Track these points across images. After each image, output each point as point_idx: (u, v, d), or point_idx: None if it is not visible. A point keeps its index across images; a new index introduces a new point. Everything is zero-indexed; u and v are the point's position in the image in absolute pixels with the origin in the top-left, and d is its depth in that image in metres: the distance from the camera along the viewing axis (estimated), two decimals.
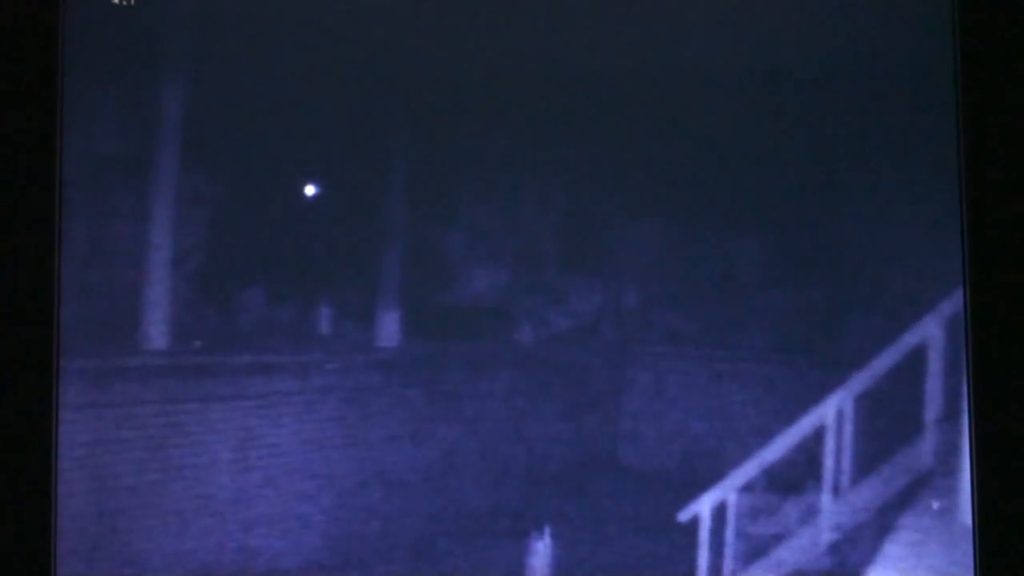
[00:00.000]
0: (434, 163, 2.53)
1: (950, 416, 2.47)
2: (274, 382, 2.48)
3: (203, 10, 2.52)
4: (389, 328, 2.50)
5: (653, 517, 2.46)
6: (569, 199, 2.53)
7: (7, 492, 2.37)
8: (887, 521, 2.47)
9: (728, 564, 2.47)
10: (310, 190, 2.51)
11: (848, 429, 2.48)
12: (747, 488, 2.48)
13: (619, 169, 2.53)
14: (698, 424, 2.49)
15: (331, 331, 2.50)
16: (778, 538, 2.47)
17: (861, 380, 2.48)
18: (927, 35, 2.53)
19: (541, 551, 2.46)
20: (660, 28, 2.55)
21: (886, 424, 2.48)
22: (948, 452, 2.47)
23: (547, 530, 2.47)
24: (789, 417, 2.49)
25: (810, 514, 2.47)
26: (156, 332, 2.47)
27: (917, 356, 2.49)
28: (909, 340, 2.49)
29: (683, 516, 2.47)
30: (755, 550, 2.47)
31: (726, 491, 2.48)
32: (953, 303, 2.48)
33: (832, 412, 2.49)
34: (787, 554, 2.47)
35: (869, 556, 2.46)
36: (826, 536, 2.47)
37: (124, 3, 2.50)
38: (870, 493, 2.47)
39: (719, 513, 2.47)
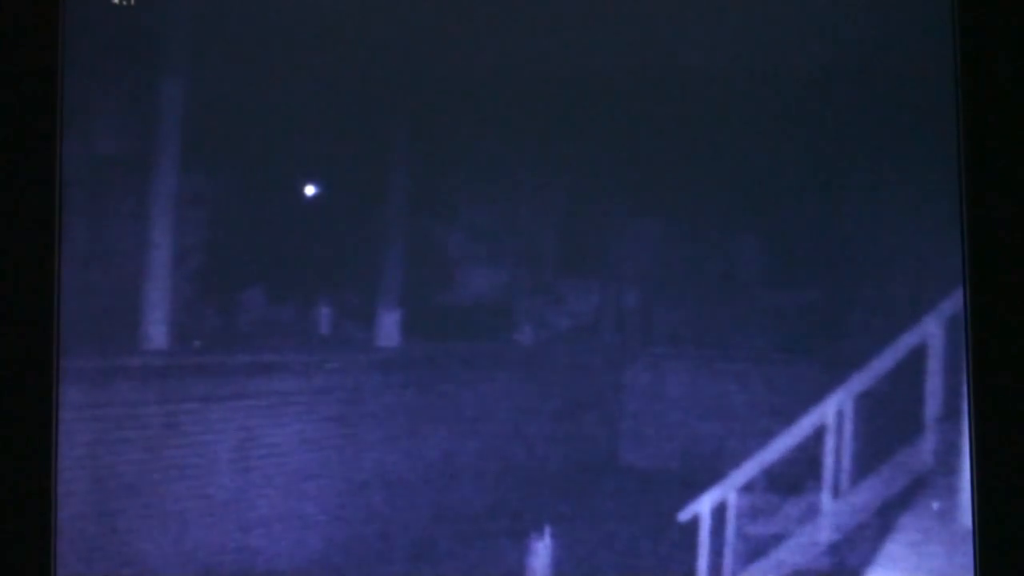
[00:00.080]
0: (434, 163, 2.53)
1: (950, 416, 2.47)
2: (274, 382, 2.48)
3: (203, 10, 2.52)
4: (389, 328, 2.50)
5: (653, 517, 2.46)
6: (569, 199, 2.53)
7: (7, 492, 2.37)
8: (887, 521, 2.47)
9: (728, 564, 2.47)
10: (310, 190, 2.51)
11: (848, 429, 2.48)
12: (747, 488, 2.48)
13: (619, 169, 2.53)
14: (698, 424, 2.49)
15: (331, 331, 2.50)
16: (778, 538, 2.47)
17: (861, 380, 2.48)
18: (927, 35, 2.53)
19: (541, 551, 2.46)
20: (660, 28, 2.55)
21: (886, 424, 2.48)
22: (948, 452, 2.47)
23: (547, 530, 2.47)
24: (789, 417, 2.49)
25: (810, 514, 2.47)
26: (156, 332, 2.47)
27: (917, 356, 2.49)
28: (909, 340, 2.49)
29: (683, 516, 2.47)
30: (755, 550, 2.47)
31: (726, 491, 2.48)
32: (953, 303, 2.48)
33: (832, 412, 2.49)
34: (787, 554, 2.47)
35: (869, 556, 2.46)
36: (826, 536, 2.47)
37: (124, 3, 2.50)
38: (870, 493, 2.47)
39: (719, 513, 2.47)
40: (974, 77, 2.48)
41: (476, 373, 2.49)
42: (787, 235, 2.52)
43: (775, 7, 2.55)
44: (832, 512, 2.47)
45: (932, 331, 2.49)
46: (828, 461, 2.48)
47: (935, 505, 2.46)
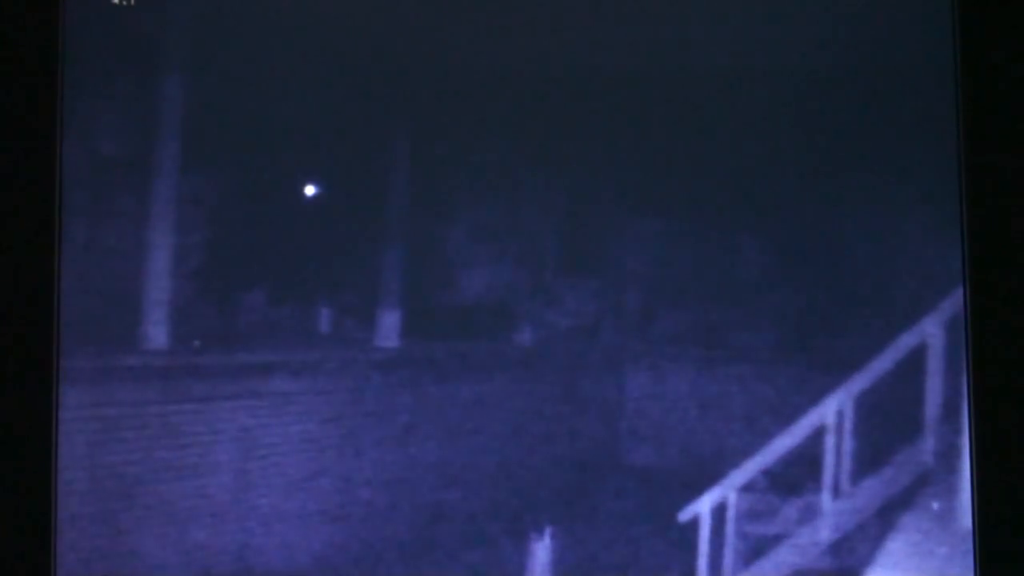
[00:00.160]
0: (434, 163, 2.53)
1: (950, 416, 2.47)
2: (274, 382, 2.48)
3: (203, 10, 2.52)
4: (389, 328, 2.50)
5: (653, 517, 2.46)
6: (569, 199, 2.53)
7: (7, 492, 2.37)
8: (887, 521, 2.47)
9: (728, 564, 2.47)
10: (310, 190, 2.51)
11: (848, 429, 2.48)
12: (747, 488, 2.48)
13: (620, 169, 2.53)
14: (698, 424, 2.49)
15: (331, 331, 2.50)
16: (778, 538, 2.47)
17: (861, 380, 2.48)
18: (927, 35, 2.53)
19: (541, 551, 2.46)
20: (661, 29, 2.55)
21: (886, 424, 2.48)
22: (948, 452, 2.47)
23: (547, 530, 2.47)
24: (789, 417, 2.49)
25: (810, 514, 2.47)
26: (156, 332, 2.47)
27: (917, 356, 2.49)
28: (909, 340, 2.49)
29: (683, 516, 2.47)
30: (755, 550, 2.47)
31: (726, 491, 2.48)
32: (953, 303, 2.48)
33: (832, 412, 2.48)
34: (787, 554, 2.47)
35: (869, 556, 2.46)
36: (826, 536, 2.47)
37: (124, 3, 2.50)
38: (870, 493, 2.47)
39: (719, 513, 2.47)
40: (974, 77, 2.48)
41: (476, 373, 2.49)
42: (787, 235, 2.52)
43: (776, 7, 2.55)
44: (832, 512, 2.47)
45: (932, 331, 2.49)
46: (828, 461, 2.48)
47: (935, 505, 2.46)
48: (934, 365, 2.48)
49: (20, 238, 2.41)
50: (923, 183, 2.51)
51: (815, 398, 2.48)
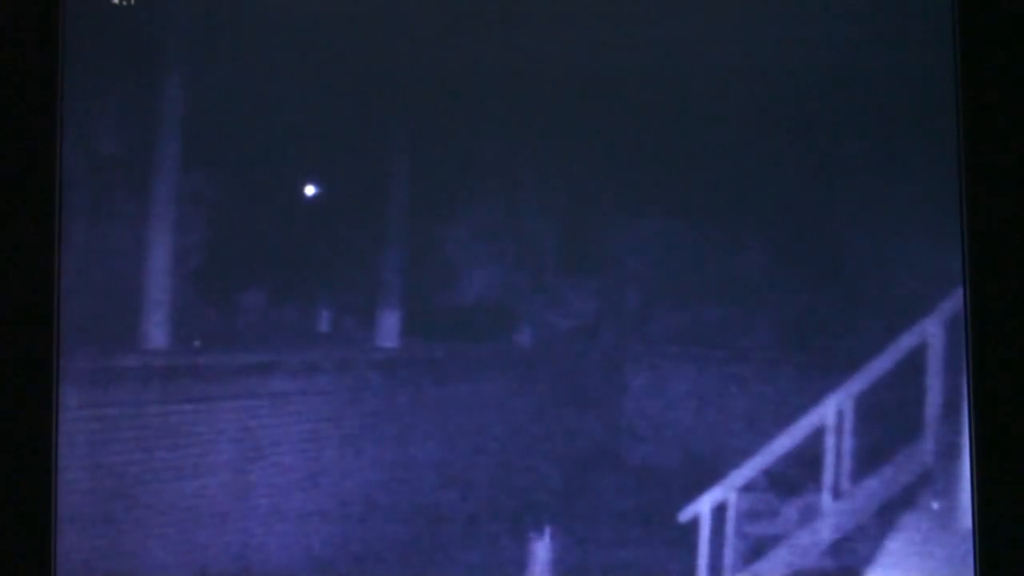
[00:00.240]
0: (434, 163, 2.53)
1: (950, 416, 2.47)
2: (274, 382, 2.48)
3: (203, 10, 2.52)
4: (389, 328, 2.50)
5: (653, 517, 2.46)
6: (569, 199, 2.53)
7: (7, 492, 2.37)
8: (887, 521, 2.47)
9: (728, 564, 2.47)
10: (310, 190, 2.51)
11: (848, 429, 2.48)
12: (747, 488, 2.48)
13: (620, 169, 2.52)
14: (698, 424, 2.49)
15: (331, 331, 2.50)
16: (778, 538, 2.47)
17: (861, 380, 2.48)
18: (927, 35, 2.53)
19: (541, 551, 2.46)
20: (662, 30, 2.55)
21: (886, 424, 2.48)
22: (948, 452, 2.47)
23: (547, 530, 2.47)
24: (789, 417, 2.49)
25: (810, 514, 2.47)
26: (156, 332, 2.47)
27: (917, 356, 2.49)
28: (909, 340, 2.49)
29: (683, 516, 2.47)
30: (755, 550, 2.47)
31: (726, 491, 2.48)
32: (953, 303, 2.48)
33: (832, 412, 2.49)
34: (787, 554, 2.47)
35: (869, 556, 2.46)
36: (826, 536, 2.47)
37: (124, 3, 2.50)
38: (870, 493, 2.47)
39: (719, 513, 2.47)
40: (974, 77, 2.48)
41: (476, 373, 2.49)
42: (788, 236, 2.52)
43: (776, 8, 2.55)
44: (832, 512, 2.47)
45: (932, 331, 2.49)
46: (828, 461, 2.48)
47: (935, 505, 2.46)
48: (934, 365, 2.48)
49: (20, 238, 2.41)
50: (923, 183, 2.51)
51: (815, 398, 2.48)
